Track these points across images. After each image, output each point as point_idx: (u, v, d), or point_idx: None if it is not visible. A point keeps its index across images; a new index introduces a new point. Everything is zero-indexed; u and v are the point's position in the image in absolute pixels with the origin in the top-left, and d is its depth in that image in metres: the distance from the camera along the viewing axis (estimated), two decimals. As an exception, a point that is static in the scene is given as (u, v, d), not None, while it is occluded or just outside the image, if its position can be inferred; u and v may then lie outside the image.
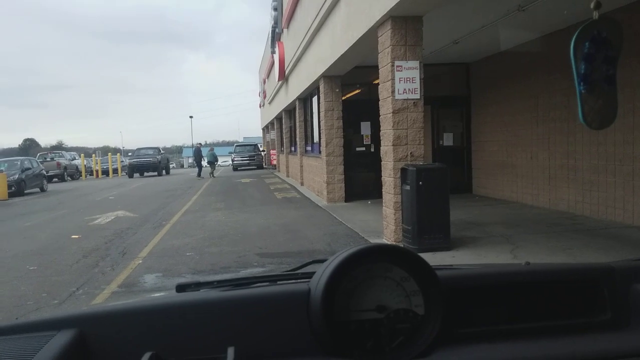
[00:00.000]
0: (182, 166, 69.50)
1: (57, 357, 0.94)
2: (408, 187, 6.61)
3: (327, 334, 1.02)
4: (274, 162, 32.24)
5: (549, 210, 9.54)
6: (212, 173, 27.50)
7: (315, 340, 1.05)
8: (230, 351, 0.89)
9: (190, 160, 74.14)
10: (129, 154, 38.63)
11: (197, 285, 1.26)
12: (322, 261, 1.17)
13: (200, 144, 30.73)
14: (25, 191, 21.35)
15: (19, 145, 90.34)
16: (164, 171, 33.95)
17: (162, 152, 36.07)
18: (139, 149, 34.85)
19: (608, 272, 1.26)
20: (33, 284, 6.06)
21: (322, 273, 1.08)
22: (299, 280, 1.24)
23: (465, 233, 7.61)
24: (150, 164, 32.31)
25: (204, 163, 27.67)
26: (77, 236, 9.33)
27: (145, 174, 32.99)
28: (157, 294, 1.35)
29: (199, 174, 27.38)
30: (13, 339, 1.04)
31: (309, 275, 1.20)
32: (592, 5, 0.97)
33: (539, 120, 9.91)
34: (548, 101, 9.53)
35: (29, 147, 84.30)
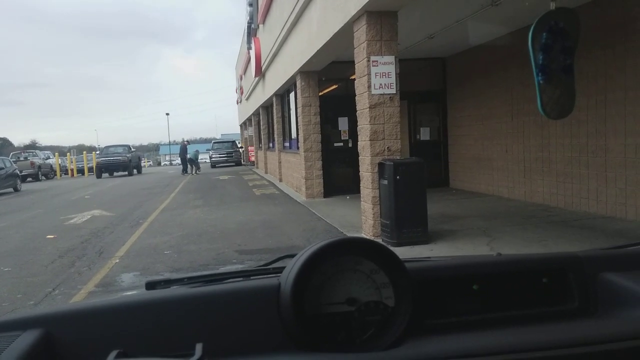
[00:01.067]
0: (159, 164, 68.73)
1: (22, 357, 0.93)
2: (385, 182, 6.65)
3: (298, 329, 1.03)
4: (253, 158, 32.11)
5: (524, 202, 9.69)
6: (195, 171, 27.58)
7: (286, 335, 1.05)
8: (199, 347, 0.89)
9: (168, 158, 73.51)
10: (97, 152, 35.75)
11: (167, 283, 1.25)
12: (293, 256, 1.17)
13: (187, 141, 30.67)
14: (-2, 191, 20.96)
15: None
16: (135, 170, 31.97)
17: (132, 149, 33.62)
18: (107, 147, 32.76)
19: (575, 261, 1.29)
20: (8, 285, 5.96)
21: (291, 267, 1.09)
22: (269, 275, 1.24)
23: (443, 226, 7.69)
24: (120, 163, 30.00)
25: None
26: (52, 236, 9.19)
27: (115, 173, 30.92)
28: (127, 293, 1.34)
29: (183, 170, 28.26)
30: None
31: (280, 270, 1.20)
32: (549, -4, 0.99)
33: (513, 113, 10.04)
34: (522, 95, 9.65)
35: (2, 146, 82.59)
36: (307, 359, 1.02)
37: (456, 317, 1.17)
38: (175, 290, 1.19)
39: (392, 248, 1.15)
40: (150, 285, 1.23)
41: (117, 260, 6.91)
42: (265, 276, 1.25)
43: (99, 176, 29.45)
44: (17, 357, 0.92)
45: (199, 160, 29.56)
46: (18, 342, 0.98)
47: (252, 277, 1.27)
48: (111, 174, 30.68)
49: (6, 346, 0.97)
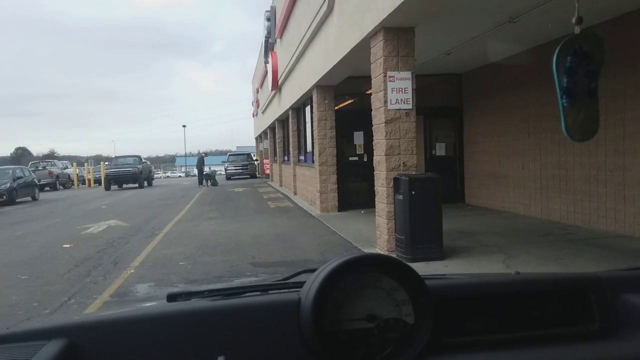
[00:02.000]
0: (175, 175, 69.16)
1: None
2: (401, 197, 6.64)
3: (318, 344, 1.03)
4: (267, 171, 32.21)
5: (541, 220, 9.60)
6: (212, 183, 27.93)
7: (305, 350, 1.06)
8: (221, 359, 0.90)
9: (184, 169, 74.06)
10: (106, 163, 34.36)
11: (188, 295, 1.26)
12: (312, 271, 1.18)
13: (204, 153, 30.93)
14: (17, 200, 21.25)
15: (11, 153, 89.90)
16: (145, 182, 30.16)
17: (143, 160, 32.19)
18: (117, 158, 31.66)
19: (596, 281, 1.28)
20: (24, 293, 6.02)
21: (312, 283, 1.10)
22: (289, 290, 1.25)
23: (458, 242, 7.64)
24: (130, 175, 28.34)
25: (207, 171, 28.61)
26: (69, 245, 9.28)
27: (125, 185, 29.43)
28: (148, 304, 1.35)
29: (200, 182, 28.42)
30: (3, 348, 1.04)
31: (300, 284, 1.20)
32: (573, 20, 1.00)
33: (530, 130, 9.99)
34: (539, 112, 9.61)
35: (21, 155, 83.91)
36: None
37: (475, 336, 1.17)
38: (196, 303, 1.20)
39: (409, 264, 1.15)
40: (172, 298, 1.25)
41: (132, 271, 6.96)
42: (284, 290, 1.26)
43: (107, 188, 28.12)
44: None
45: (215, 175, 29.54)
46: (43, 351, 1.00)
47: (271, 291, 1.28)
48: (120, 186, 29.22)
49: (31, 355, 0.98)
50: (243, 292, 1.27)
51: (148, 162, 35.77)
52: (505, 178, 11.01)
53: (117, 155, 32.08)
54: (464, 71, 12.55)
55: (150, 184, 31.54)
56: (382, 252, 7.21)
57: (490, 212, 11.04)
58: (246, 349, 1.07)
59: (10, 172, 22.16)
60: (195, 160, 31.10)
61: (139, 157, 30.95)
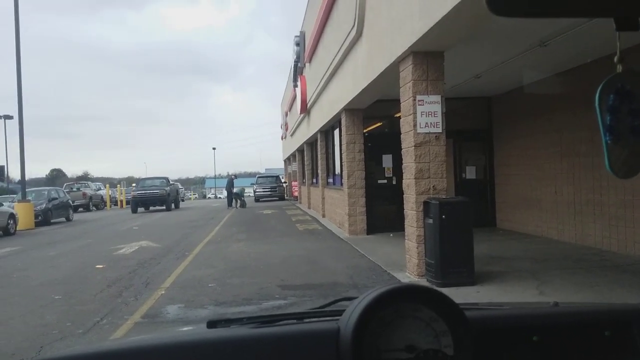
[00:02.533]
0: (204, 197, 69.99)
1: None
2: (431, 221, 6.59)
3: None
4: (296, 193, 32.33)
5: (574, 245, 9.39)
6: (240, 204, 28.02)
7: None
8: None
9: (213, 191, 74.89)
10: (133, 184, 34.01)
11: (228, 322, 1.28)
12: (350, 299, 1.18)
13: (234, 175, 31.26)
14: (52, 220, 21.75)
15: (46, 175, 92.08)
16: (173, 205, 29.46)
17: (171, 182, 31.42)
18: (143, 179, 30.75)
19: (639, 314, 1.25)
20: (58, 313, 6.13)
21: (351, 312, 1.10)
22: (327, 319, 1.26)
23: (489, 268, 7.52)
24: (157, 197, 27.75)
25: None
26: (101, 266, 9.44)
27: (152, 208, 28.89)
28: (186, 329, 1.38)
29: (229, 204, 28.52)
30: None
31: (338, 312, 1.21)
32: (615, 59, 1.00)
33: (563, 154, 9.84)
34: (572, 135, 9.47)
35: (56, 177, 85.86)
36: None
37: None
38: (235, 330, 1.21)
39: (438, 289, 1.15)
40: (212, 324, 1.27)
41: (163, 292, 7.03)
42: (321, 319, 1.27)
43: (134, 211, 27.41)
44: None
45: (244, 196, 29.71)
46: None
47: (309, 319, 1.29)
48: (147, 209, 28.62)
49: None
50: (281, 319, 1.28)
51: (176, 184, 35.56)
52: (537, 202, 10.83)
53: (145, 177, 31.72)
54: (494, 94, 12.48)
55: (177, 206, 30.99)
56: (412, 277, 7.14)
57: (522, 237, 10.85)
58: None
59: (46, 193, 22.75)
60: (224, 182, 31.27)
61: (167, 179, 30.34)
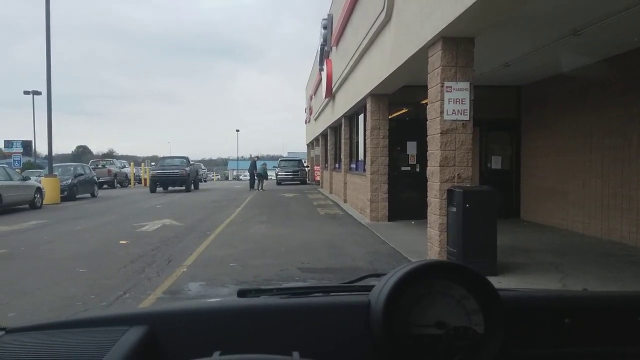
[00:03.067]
0: (226, 178, 70.55)
1: (131, 351, 1.00)
2: (454, 209, 6.53)
3: (387, 347, 1.04)
4: (318, 178, 32.36)
5: (600, 239, 9.23)
6: (260, 187, 28.02)
7: (374, 352, 1.06)
8: (296, 355, 0.92)
9: (235, 173, 75.41)
10: (152, 163, 33.26)
11: (258, 292, 1.29)
12: (378, 275, 1.18)
13: (256, 157, 31.31)
14: (77, 196, 22.09)
15: (72, 151, 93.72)
16: (192, 186, 28.22)
17: (191, 162, 29.70)
18: (163, 158, 29.46)
19: None
20: (82, 285, 6.25)
21: (382, 286, 1.10)
22: (355, 293, 1.26)
23: (512, 259, 7.44)
24: (177, 177, 26.36)
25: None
26: (125, 242, 9.59)
27: (170, 188, 27.49)
28: (218, 299, 1.39)
29: (251, 186, 28.41)
30: (90, 331, 1.10)
31: (366, 288, 1.21)
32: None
33: (592, 146, 9.64)
34: (603, 128, 9.27)
35: (82, 153, 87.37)
36: None
37: (545, 349, 1.14)
38: (265, 300, 1.22)
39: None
40: (242, 293, 1.28)
41: (185, 269, 7.11)
42: (350, 293, 1.27)
43: (152, 190, 26.38)
44: (126, 350, 1.00)
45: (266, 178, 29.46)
46: (126, 336, 1.05)
47: (337, 293, 1.29)
48: (165, 189, 27.31)
49: (116, 340, 1.04)
50: (309, 292, 1.29)
51: (196, 164, 33.61)
52: (564, 194, 10.66)
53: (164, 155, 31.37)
54: (524, 83, 12.26)
55: (197, 187, 29.69)
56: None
57: (546, 229, 10.71)
58: (316, 347, 1.09)
59: (72, 169, 23.08)
60: (247, 164, 31.30)
61: (187, 159, 28.82)
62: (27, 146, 42.54)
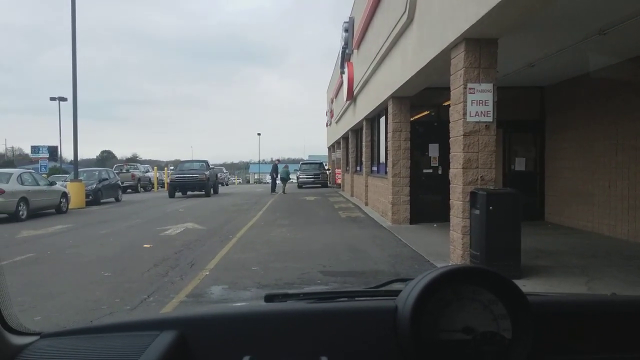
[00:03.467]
0: (248, 182, 70.98)
1: (163, 355, 1.02)
2: (477, 212, 6.46)
3: (414, 352, 1.03)
4: (339, 181, 32.34)
5: (627, 242, 9.05)
6: (282, 190, 28.20)
7: (401, 356, 1.06)
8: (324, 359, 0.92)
9: (256, 176, 75.81)
10: (171, 167, 32.18)
11: (285, 297, 1.29)
12: (404, 280, 1.18)
13: (277, 160, 31.47)
14: (102, 200, 22.41)
15: (97, 156, 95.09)
16: (212, 190, 27.33)
17: (211, 166, 28.72)
18: (182, 162, 28.57)
19: None
20: (107, 289, 6.33)
21: (410, 291, 1.09)
22: (381, 298, 1.25)
23: (536, 262, 7.33)
24: (196, 182, 25.64)
25: (278, 180, 29.03)
26: (148, 245, 9.69)
27: (189, 192, 26.76)
28: (245, 303, 1.40)
29: (272, 189, 28.64)
30: (122, 336, 1.13)
31: (392, 293, 1.21)
32: None
33: (618, 147, 9.46)
34: (629, 128, 9.09)
35: (106, 158, 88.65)
36: None
37: (573, 354, 1.12)
38: (292, 305, 1.23)
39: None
40: (269, 298, 1.28)
41: (207, 273, 7.16)
42: (376, 298, 1.26)
43: (171, 195, 25.72)
44: (158, 354, 1.01)
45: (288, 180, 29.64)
46: (158, 341, 1.07)
47: (363, 298, 1.28)
48: (184, 193, 26.59)
49: (148, 344, 1.06)
50: (336, 297, 1.29)
51: (216, 168, 32.83)
52: (589, 196, 10.47)
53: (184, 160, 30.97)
54: (548, 84, 12.09)
55: (216, 192, 28.79)
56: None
57: (571, 232, 10.54)
58: (343, 351, 1.09)
59: (97, 173, 23.44)
60: (269, 168, 31.53)
61: (206, 162, 27.92)
62: (53, 151, 43.37)
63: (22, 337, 1.12)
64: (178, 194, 26.12)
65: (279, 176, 28.97)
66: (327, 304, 1.21)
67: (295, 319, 1.15)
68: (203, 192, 26.07)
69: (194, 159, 29.04)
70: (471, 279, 1.10)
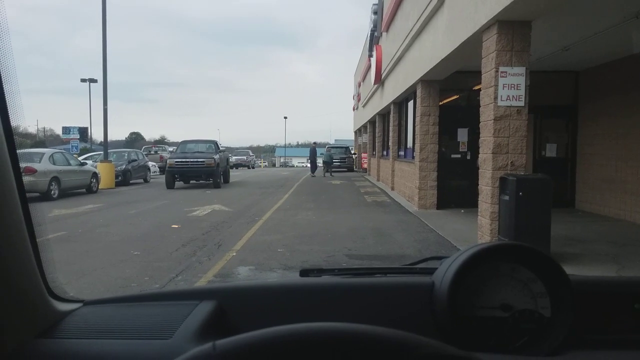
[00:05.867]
0: (273, 165, 71.30)
1: (202, 322, 1.04)
2: (507, 197, 6.37)
3: (451, 328, 1.02)
4: (365, 165, 32.23)
5: (661, 231, 8.84)
6: (329, 172, 28.92)
7: (438, 332, 1.05)
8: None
9: (282, 160, 76.08)
10: (170, 149, 25.81)
11: (320, 272, 1.30)
12: (440, 258, 1.17)
13: (315, 143, 31.75)
14: (131, 181, 22.75)
15: (126, 138, 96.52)
16: (222, 179, 20.94)
17: (221, 148, 22.40)
18: (184, 142, 22.11)
19: None
20: (137, 267, 6.45)
21: (447, 267, 1.08)
22: (417, 275, 1.25)
23: (566, 249, 7.22)
24: (202, 168, 19.49)
25: (320, 163, 29.91)
26: (177, 226, 9.82)
27: (194, 182, 21.00)
28: (280, 278, 1.42)
29: (312, 172, 29.16)
30: (163, 304, 1.16)
31: (428, 270, 1.21)
32: None
33: (654, 134, 9.20)
34: (666, 114, 8.83)
35: (135, 140, 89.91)
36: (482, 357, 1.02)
37: (613, 334, 1.10)
38: (327, 279, 1.23)
39: None
40: (304, 273, 1.29)
41: (234, 254, 7.23)
42: (412, 275, 1.26)
43: (169, 186, 19.55)
44: (199, 322, 1.04)
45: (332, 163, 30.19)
46: (198, 309, 1.09)
47: (399, 275, 1.28)
48: (187, 182, 20.78)
49: (189, 312, 1.08)
50: (371, 273, 1.29)
51: (226, 151, 25.07)
52: (622, 184, 10.23)
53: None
54: (582, 68, 11.79)
55: (226, 180, 22.35)
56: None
57: (603, 219, 10.33)
58: (378, 325, 1.08)
59: (126, 155, 23.79)
60: (294, 152, 31.76)
61: (215, 143, 22.17)
62: (83, 132, 44.08)
63: (66, 303, 1.16)
64: (180, 183, 20.40)
65: (319, 159, 29.67)
66: (362, 279, 1.22)
67: (330, 292, 1.16)
68: (210, 181, 20.10)
69: (202, 138, 22.57)
70: (510, 256, 1.08)
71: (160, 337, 0.99)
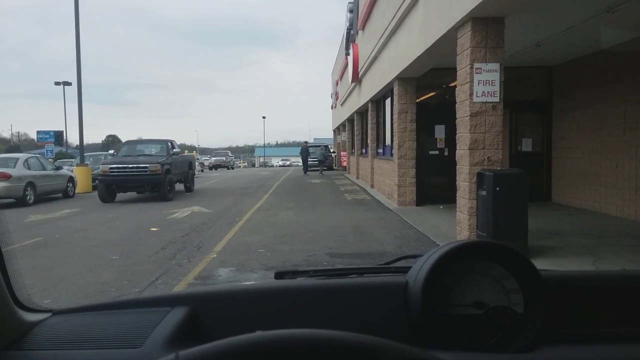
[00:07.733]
0: (253, 165, 71.05)
1: (174, 330, 1.02)
2: (484, 193, 6.44)
3: (426, 327, 1.03)
4: (345, 163, 32.31)
5: (634, 222, 9.02)
6: (321, 171, 29.52)
7: (412, 331, 1.06)
8: None
9: (262, 160, 75.86)
10: (111, 152, 18.85)
11: (294, 274, 1.30)
12: (414, 257, 1.18)
13: (306, 142, 32.08)
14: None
15: (102, 140, 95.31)
16: (171, 189, 15.94)
17: (174, 150, 17.35)
18: (129, 143, 18.38)
19: None
20: (115, 272, 6.37)
21: (421, 266, 1.09)
22: (392, 274, 1.25)
23: (543, 242, 7.32)
24: (144, 177, 15.26)
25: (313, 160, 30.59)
26: (155, 229, 9.73)
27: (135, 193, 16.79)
28: (255, 282, 1.41)
29: (305, 171, 30.00)
30: (134, 312, 1.14)
31: (402, 269, 1.21)
32: None
33: (626, 127, 9.38)
34: (637, 108, 9.00)
35: (112, 142, 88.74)
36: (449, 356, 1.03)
37: (584, 328, 1.12)
38: (302, 281, 1.23)
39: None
40: (279, 275, 1.29)
41: (215, 255, 7.19)
42: (387, 274, 1.26)
43: (103, 199, 15.32)
44: (170, 329, 1.02)
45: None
46: (169, 317, 1.08)
47: (374, 274, 1.28)
48: (125, 192, 16.21)
49: (159, 320, 1.07)
50: (346, 273, 1.29)
51: (189, 155, 22.27)
52: (596, 177, 10.42)
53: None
54: (555, 64, 11.97)
55: (190, 189, 18.63)
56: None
57: (578, 212, 10.51)
58: (353, 327, 1.09)
59: (103, 158, 23.46)
60: (273, 151, 32.06)
61: (168, 144, 17.50)
62: (58, 136, 43.42)
63: (35, 314, 1.14)
64: (121, 194, 16.24)
65: (309, 158, 30.25)
66: (336, 280, 1.22)
67: (305, 294, 1.16)
68: (157, 193, 15.65)
69: (158, 138, 18.66)
70: (482, 253, 1.10)
71: (131, 346, 0.98)
